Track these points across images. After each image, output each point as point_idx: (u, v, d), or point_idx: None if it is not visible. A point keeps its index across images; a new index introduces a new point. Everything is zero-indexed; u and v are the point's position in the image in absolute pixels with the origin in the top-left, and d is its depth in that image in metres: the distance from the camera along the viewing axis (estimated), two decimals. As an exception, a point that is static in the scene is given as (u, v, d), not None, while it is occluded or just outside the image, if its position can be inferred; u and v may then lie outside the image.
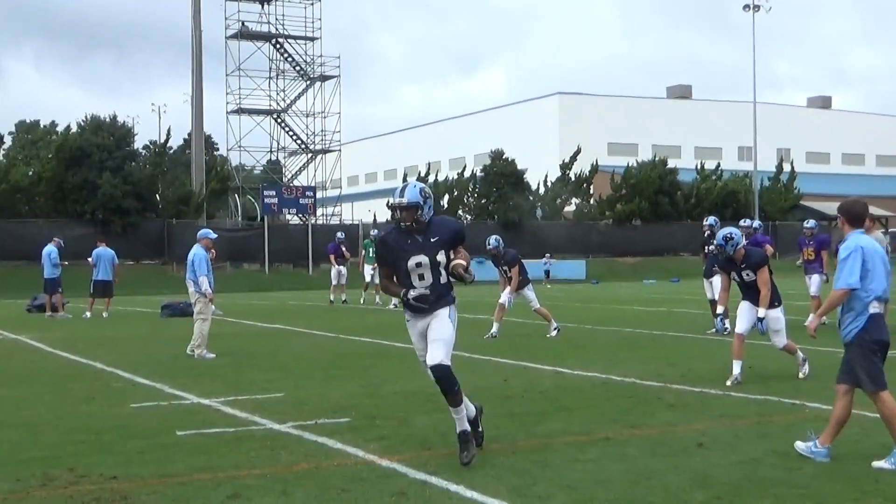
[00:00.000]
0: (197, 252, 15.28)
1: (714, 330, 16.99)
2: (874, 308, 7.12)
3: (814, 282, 19.05)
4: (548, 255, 51.12)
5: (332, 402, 10.30)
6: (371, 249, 27.61)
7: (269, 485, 6.72)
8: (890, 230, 69.52)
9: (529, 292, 17.57)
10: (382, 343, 16.78)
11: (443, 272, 7.43)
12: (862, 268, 7.09)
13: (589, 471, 7.01)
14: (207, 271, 15.19)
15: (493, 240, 17.47)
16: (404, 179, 56.62)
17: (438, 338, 7.33)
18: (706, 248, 18.24)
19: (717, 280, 16.00)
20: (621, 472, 6.97)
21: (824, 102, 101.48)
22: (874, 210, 64.79)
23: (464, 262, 7.31)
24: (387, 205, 8.56)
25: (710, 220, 18.50)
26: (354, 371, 12.97)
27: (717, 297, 13.87)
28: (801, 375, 11.46)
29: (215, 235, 15.96)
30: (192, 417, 9.48)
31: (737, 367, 11.07)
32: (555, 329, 17.35)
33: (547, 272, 49.20)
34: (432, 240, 7.39)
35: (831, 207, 74.06)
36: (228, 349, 15.90)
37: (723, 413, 9.26)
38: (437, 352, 7.26)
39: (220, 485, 6.74)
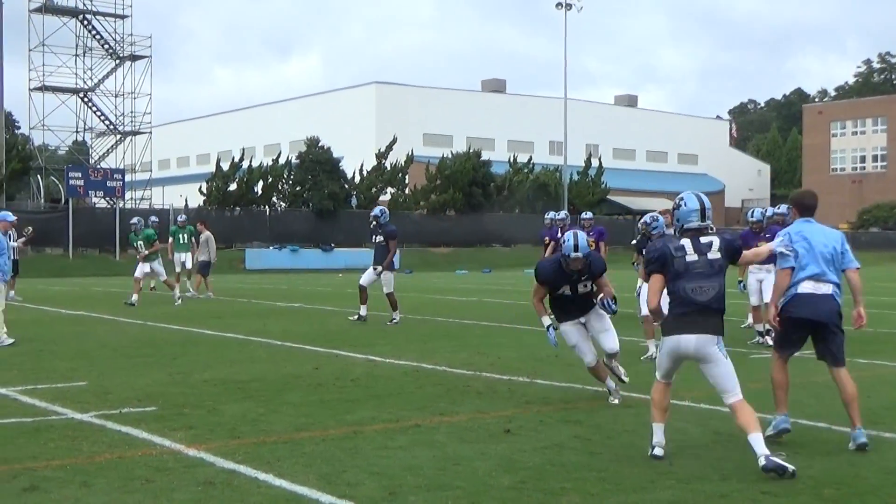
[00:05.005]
0: None
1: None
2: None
3: None
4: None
5: (138, 390, 10.03)
6: (181, 236, 26.76)
7: (68, 476, 6.49)
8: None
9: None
10: (192, 331, 16.44)
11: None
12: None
13: (398, 457, 7.09)
14: None
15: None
16: (217, 164, 55.53)
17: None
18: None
19: None
20: (430, 458, 7.08)
21: (630, 101, 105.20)
22: (671, 205, 68.00)
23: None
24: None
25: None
26: (162, 359, 12.65)
27: None
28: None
29: (13, 218, 15.37)
30: (-14, 407, 9.05)
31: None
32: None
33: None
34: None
35: (635, 202, 77.08)
36: (28, 336, 15.22)
37: (529, 400, 9.51)
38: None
39: (17, 477, 6.47)
